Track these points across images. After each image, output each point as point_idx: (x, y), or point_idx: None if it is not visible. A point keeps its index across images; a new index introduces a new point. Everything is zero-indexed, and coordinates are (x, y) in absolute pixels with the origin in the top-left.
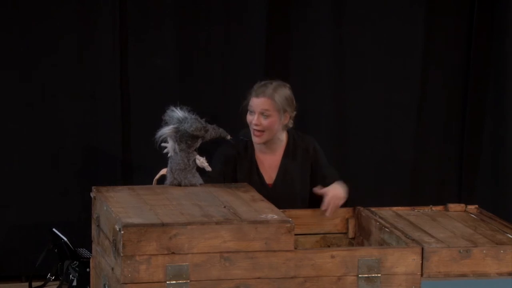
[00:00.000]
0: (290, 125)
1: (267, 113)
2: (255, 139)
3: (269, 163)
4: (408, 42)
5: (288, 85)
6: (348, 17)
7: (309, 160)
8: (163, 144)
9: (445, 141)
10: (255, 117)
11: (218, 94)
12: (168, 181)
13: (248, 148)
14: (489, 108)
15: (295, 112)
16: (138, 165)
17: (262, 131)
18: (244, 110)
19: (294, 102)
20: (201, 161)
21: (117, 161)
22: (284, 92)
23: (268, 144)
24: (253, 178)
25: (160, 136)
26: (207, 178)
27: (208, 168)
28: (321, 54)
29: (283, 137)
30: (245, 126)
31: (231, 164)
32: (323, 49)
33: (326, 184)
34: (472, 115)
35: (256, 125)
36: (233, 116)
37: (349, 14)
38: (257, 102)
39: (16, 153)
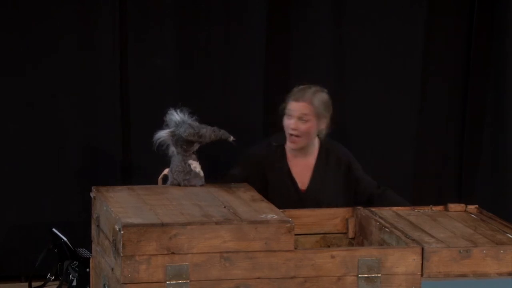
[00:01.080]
0: (327, 131)
1: (306, 118)
2: (290, 145)
3: (302, 168)
4: (408, 42)
5: (325, 90)
6: (348, 17)
7: (342, 167)
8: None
9: (445, 141)
10: (293, 121)
11: (218, 94)
12: (168, 181)
13: (279, 151)
14: (489, 108)
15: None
16: (138, 165)
17: (298, 136)
18: (281, 114)
19: (331, 107)
20: (194, 166)
21: (117, 161)
22: (322, 97)
23: (302, 149)
24: (286, 182)
25: (158, 139)
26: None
27: (201, 174)
28: (321, 54)
29: (316, 141)
30: (249, 128)
31: (259, 168)
32: (323, 49)
33: (361, 188)
34: (472, 115)
35: (293, 129)
36: (232, 115)
37: (349, 14)
38: (296, 107)
39: (16, 153)
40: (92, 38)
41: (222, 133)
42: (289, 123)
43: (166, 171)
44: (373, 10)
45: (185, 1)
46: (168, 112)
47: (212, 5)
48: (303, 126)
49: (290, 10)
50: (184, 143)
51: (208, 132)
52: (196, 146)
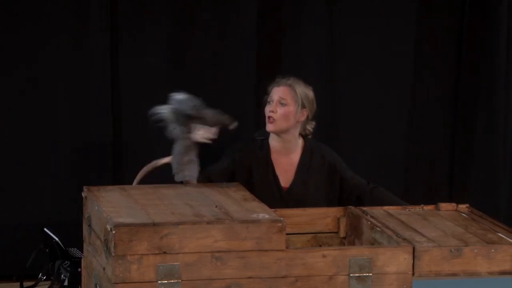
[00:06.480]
0: (310, 129)
1: (285, 102)
2: (267, 126)
3: (285, 166)
4: (400, 43)
5: (310, 86)
6: (340, 17)
7: (326, 167)
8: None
9: (436, 140)
10: (273, 104)
11: (210, 93)
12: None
13: (264, 147)
14: (481, 107)
15: (314, 123)
16: (129, 165)
17: (275, 119)
18: (264, 104)
19: (315, 105)
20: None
21: (109, 160)
22: (305, 88)
23: (284, 143)
24: (269, 179)
25: (157, 114)
26: (208, 172)
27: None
28: (313, 53)
29: (300, 140)
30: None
31: (245, 162)
32: (314, 47)
33: (349, 187)
34: (464, 114)
35: (271, 111)
36: (224, 114)
37: (342, 14)
38: (276, 91)
39: (7, 153)
40: (84, 36)
41: (224, 118)
42: (268, 108)
43: (166, 159)
44: (365, 9)
45: (178, 0)
46: (172, 94)
47: (204, 4)
48: (281, 110)
49: (283, 9)
50: (186, 119)
51: (211, 112)
52: (196, 126)
